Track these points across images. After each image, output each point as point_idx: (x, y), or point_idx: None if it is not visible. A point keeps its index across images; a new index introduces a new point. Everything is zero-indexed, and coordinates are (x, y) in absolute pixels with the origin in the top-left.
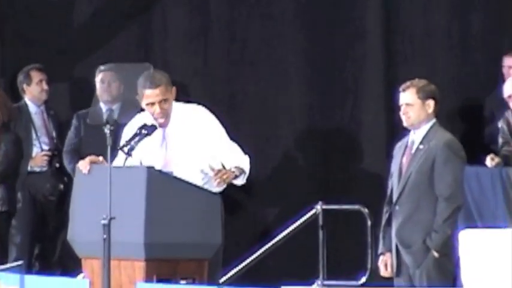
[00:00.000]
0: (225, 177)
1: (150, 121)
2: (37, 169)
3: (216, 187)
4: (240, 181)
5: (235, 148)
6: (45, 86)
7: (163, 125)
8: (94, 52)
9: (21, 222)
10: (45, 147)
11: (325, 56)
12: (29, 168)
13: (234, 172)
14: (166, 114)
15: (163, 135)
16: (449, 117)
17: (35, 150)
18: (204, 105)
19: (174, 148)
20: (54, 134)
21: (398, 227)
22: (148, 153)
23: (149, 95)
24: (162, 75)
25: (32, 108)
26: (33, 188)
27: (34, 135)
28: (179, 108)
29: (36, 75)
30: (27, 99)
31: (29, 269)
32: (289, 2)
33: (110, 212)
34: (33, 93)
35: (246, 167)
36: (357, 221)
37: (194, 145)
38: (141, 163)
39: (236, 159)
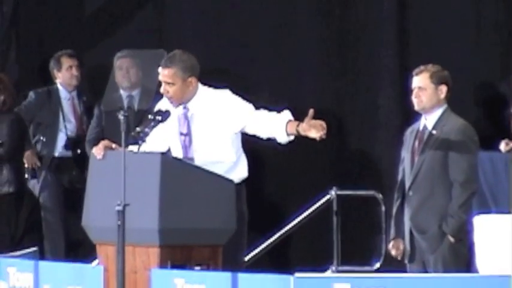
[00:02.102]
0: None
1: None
2: (63, 155)
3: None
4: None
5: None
6: (75, 72)
7: (172, 104)
8: (107, 39)
9: (54, 208)
10: (70, 133)
11: (339, 42)
12: (56, 154)
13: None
14: (171, 97)
15: (184, 114)
16: (463, 103)
17: (61, 135)
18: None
19: (198, 127)
20: (84, 120)
21: (412, 212)
22: (171, 134)
23: (160, 72)
24: (181, 61)
25: (63, 93)
26: (59, 173)
27: (62, 120)
28: (205, 91)
29: (66, 61)
30: (58, 84)
31: (67, 256)
32: None
33: (125, 198)
34: (64, 78)
35: (289, 116)
36: (371, 206)
37: (219, 124)
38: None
39: (276, 114)
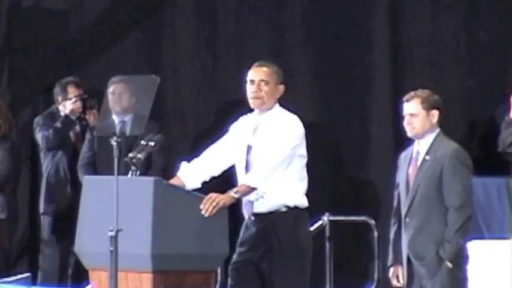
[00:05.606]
0: (209, 207)
1: (242, 128)
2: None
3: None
4: (252, 197)
5: (268, 164)
6: (79, 103)
7: (255, 107)
8: (100, 61)
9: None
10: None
11: (332, 67)
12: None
13: (232, 196)
14: (260, 97)
15: (255, 125)
16: (456, 127)
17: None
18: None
19: (258, 141)
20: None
21: (410, 239)
22: (242, 142)
23: (253, 72)
24: (274, 67)
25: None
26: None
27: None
28: (278, 110)
29: (72, 91)
30: (61, 110)
31: (60, 282)
32: (297, 13)
33: (117, 223)
34: (68, 107)
35: (256, 184)
36: (364, 232)
37: (273, 142)
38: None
39: (249, 175)
